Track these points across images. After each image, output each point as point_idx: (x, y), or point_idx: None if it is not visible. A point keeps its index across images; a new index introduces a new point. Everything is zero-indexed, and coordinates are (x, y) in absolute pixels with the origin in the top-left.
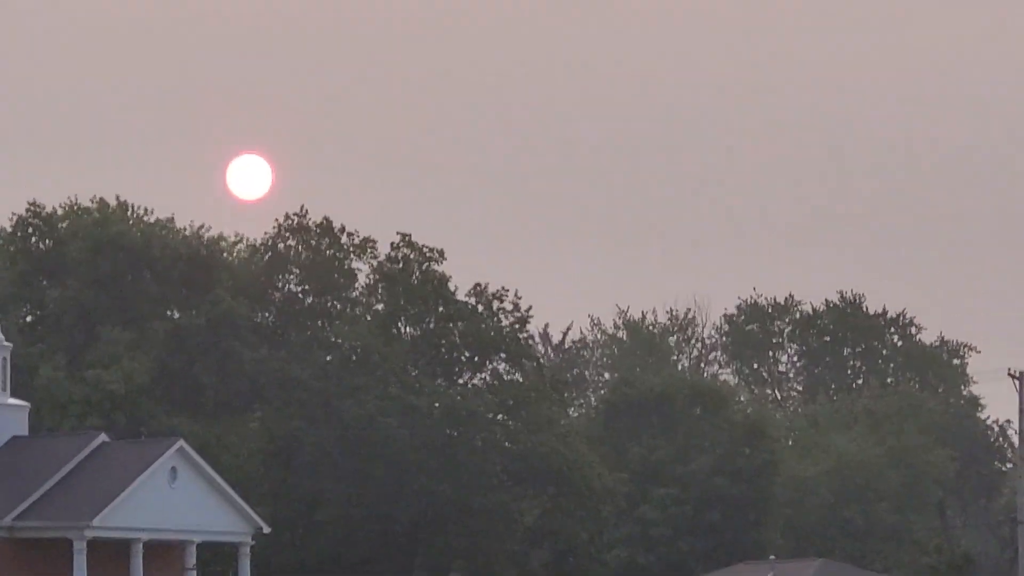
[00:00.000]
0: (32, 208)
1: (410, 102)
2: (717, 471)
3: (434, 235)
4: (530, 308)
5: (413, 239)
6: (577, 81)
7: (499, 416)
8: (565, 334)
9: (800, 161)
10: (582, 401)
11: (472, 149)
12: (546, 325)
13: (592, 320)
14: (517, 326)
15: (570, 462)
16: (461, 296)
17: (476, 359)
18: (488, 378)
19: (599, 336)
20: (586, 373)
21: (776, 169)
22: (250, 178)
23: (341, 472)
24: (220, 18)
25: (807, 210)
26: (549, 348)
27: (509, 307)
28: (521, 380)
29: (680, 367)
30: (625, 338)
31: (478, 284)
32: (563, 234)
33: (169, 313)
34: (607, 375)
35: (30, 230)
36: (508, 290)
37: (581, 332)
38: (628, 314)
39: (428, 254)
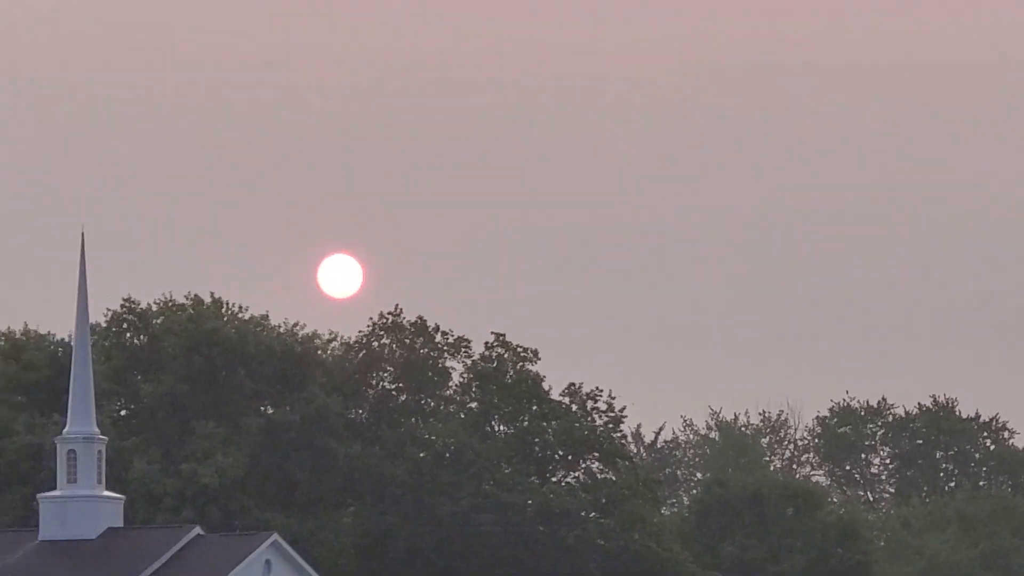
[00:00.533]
0: (127, 304)
1: (503, 203)
2: (810, 571)
3: (528, 335)
4: (624, 408)
5: (507, 339)
6: (666, 191)
7: (592, 514)
8: (657, 434)
9: (891, 267)
10: (674, 500)
11: (567, 251)
12: (639, 425)
13: (684, 421)
14: (611, 425)
15: (663, 560)
16: (555, 395)
17: (569, 457)
18: (581, 476)
19: (691, 436)
20: (678, 473)
21: (867, 275)
22: (340, 277)
23: (434, 568)
24: (314, 117)
25: (900, 314)
26: (642, 448)
27: (603, 407)
28: (614, 479)
29: (772, 468)
30: (717, 439)
31: (572, 383)
32: (656, 335)
33: (263, 409)
34: (699, 475)
35: (125, 325)
36: (602, 390)
37: (673, 432)
38: (720, 415)
39: (523, 354)
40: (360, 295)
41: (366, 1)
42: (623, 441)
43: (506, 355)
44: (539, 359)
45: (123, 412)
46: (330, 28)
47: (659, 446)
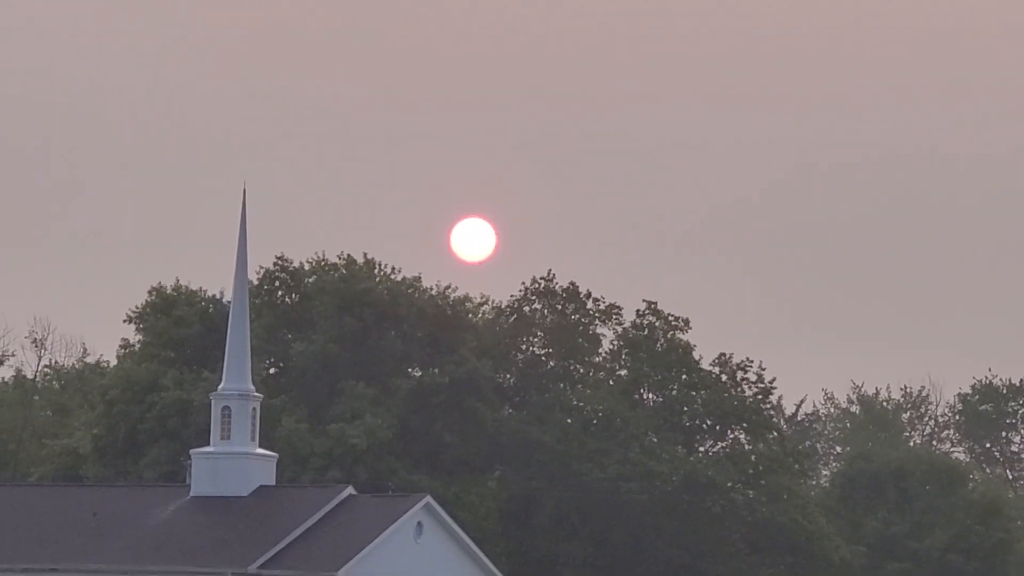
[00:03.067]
0: (280, 262)
1: (653, 173)
2: (951, 548)
3: (680, 304)
4: (774, 380)
5: (659, 307)
6: (824, 164)
7: (738, 485)
8: (799, 406)
9: None
10: (812, 473)
11: (718, 223)
12: (780, 397)
13: (826, 394)
14: (760, 397)
15: (809, 533)
16: (705, 365)
17: (717, 428)
18: (729, 447)
19: (832, 410)
20: (818, 446)
21: (1011, 251)
22: (474, 241)
23: (578, 534)
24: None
25: None
26: (783, 420)
27: (753, 378)
28: (762, 450)
29: (912, 444)
30: (859, 413)
31: (723, 354)
32: (803, 308)
33: (411, 371)
34: (838, 449)
35: (277, 284)
36: (752, 361)
37: (814, 405)
38: (862, 389)
39: (674, 322)
40: (492, 259)
41: None
42: (771, 413)
43: (657, 323)
44: (690, 328)
45: (272, 371)
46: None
47: (800, 419)
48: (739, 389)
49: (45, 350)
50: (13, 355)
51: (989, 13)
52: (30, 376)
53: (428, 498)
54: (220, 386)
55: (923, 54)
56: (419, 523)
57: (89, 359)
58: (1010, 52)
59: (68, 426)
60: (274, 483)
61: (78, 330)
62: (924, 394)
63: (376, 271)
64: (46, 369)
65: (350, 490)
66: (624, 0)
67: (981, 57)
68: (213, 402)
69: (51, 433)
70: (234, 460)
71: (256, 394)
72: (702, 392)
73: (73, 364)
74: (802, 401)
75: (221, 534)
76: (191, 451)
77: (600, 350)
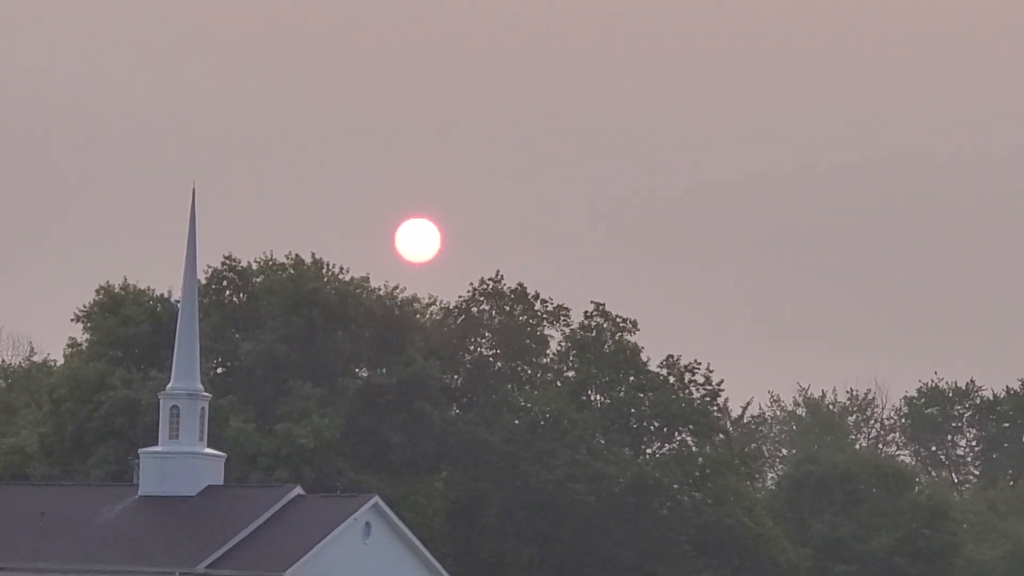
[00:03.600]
0: (228, 262)
1: (600, 173)
2: (898, 551)
3: (627, 305)
4: (721, 382)
5: (607, 308)
6: (774, 165)
7: (686, 487)
8: (745, 408)
9: (983, 249)
10: (759, 475)
11: (666, 224)
12: (726, 399)
13: (772, 396)
14: (707, 399)
15: (755, 535)
16: (653, 367)
17: (665, 430)
18: (676, 449)
19: (778, 412)
20: (764, 448)
21: (960, 255)
22: (419, 241)
23: (525, 535)
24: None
25: (989, 297)
26: (728, 422)
27: (700, 380)
28: (709, 452)
29: (858, 447)
30: (805, 415)
31: (670, 356)
32: (749, 310)
33: (359, 371)
34: (784, 451)
35: (225, 283)
36: (700, 363)
37: (760, 407)
38: (809, 392)
39: (621, 324)
40: (438, 259)
41: None
42: (718, 415)
43: (605, 325)
44: (638, 330)
45: (220, 370)
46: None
47: (746, 421)
48: (686, 391)
49: None
50: None
51: (982, 13)
52: None
53: (376, 498)
54: (169, 385)
55: (887, 51)
56: (367, 523)
57: (36, 358)
58: (974, 46)
59: (15, 425)
60: (222, 483)
61: (25, 329)
62: (870, 397)
63: (324, 271)
64: None
65: (298, 490)
66: None
67: (948, 53)
68: (162, 401)
69: None
70: (182, 460)
71: (205, 394)
72: (649, 394)
73: (20, 363)
74: (748, 403)
75: (169, 534)
76: (139, 450)
77: (548, 351)
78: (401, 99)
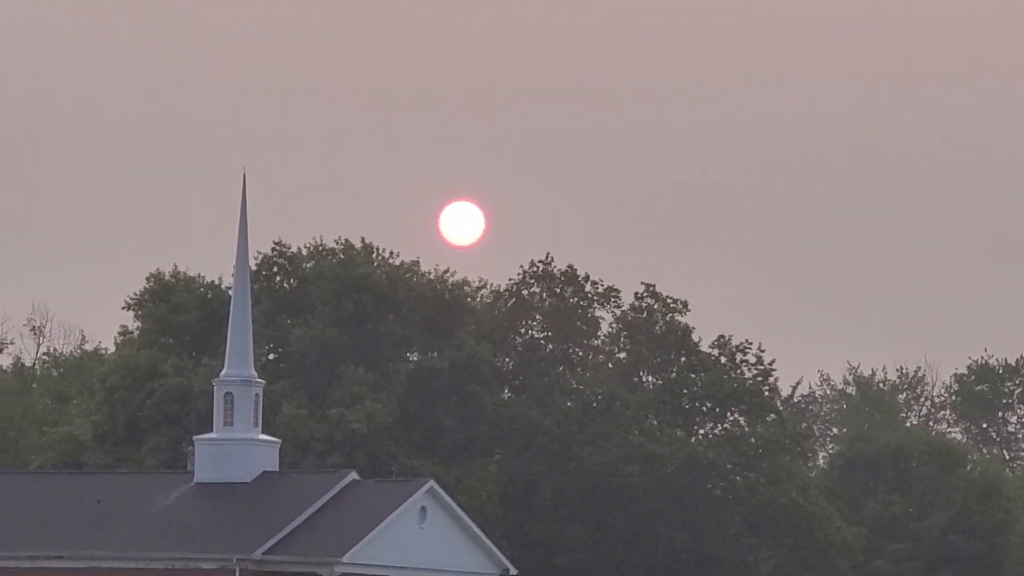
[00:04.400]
0: (277, 248)
1: (648, 155)
2: (951, 528)
3: (677, 286)
4: (773, 361)
5: (657, 289)
6: (822, 147)
7: (739, 467)
8: (795, 388)
9: None
10: (811, 455)
11: (717, 204)
12: (775, 379)
13: (821, 375)
14: (759, 379)
15: (809, 515)
16: (704, 347)
17: (717, 410)
18: (728, 429)
19: (828, 391)
20: (814, 428)
21: (1007, 232)
22: (463, 224)
23: (579, 517)
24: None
25: None
26: (778, 401)
27: (752, 360)
28: (762, 432)
29: (908, 425)
30: (855, 394)
31: (722, 336)
32: (799, 289)
33: (410, 355)
34: (835, 430)
35: (275, 269)
36: (751, 343)
37: (810, 387)
38: (858, 370)
39: (672, 305)
40: (481, 243)
41: None
42: (770, 395)
43: (656, 306)
44: (688, 310)
45: (271, 356)
46: None
47: (796, 400)
48: (738, 371)
49: (44, 337)
50: (12, 343)
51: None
52: (29, 364)
53: (432, 483)
54: (222, 372)
55: (923, 41)
56: (423, 508)
57: (88, 346)
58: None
59: (68, 413)
60: (277, 469)
61: (77, 317)
62: (920, 375)
63: (374, 255)
64: (45, 357)
65: (353, 475)
66: None
67: (982, 44)
68: (216, 388)
69: (51, 421)
70: (237, 446)
71: (258, 380)
72: (701, 375)
73: (72, 351)
74: (798, 383)
75: (225, 520)
76: (194, 438)
77: (599, 333)
78: (443, 83)
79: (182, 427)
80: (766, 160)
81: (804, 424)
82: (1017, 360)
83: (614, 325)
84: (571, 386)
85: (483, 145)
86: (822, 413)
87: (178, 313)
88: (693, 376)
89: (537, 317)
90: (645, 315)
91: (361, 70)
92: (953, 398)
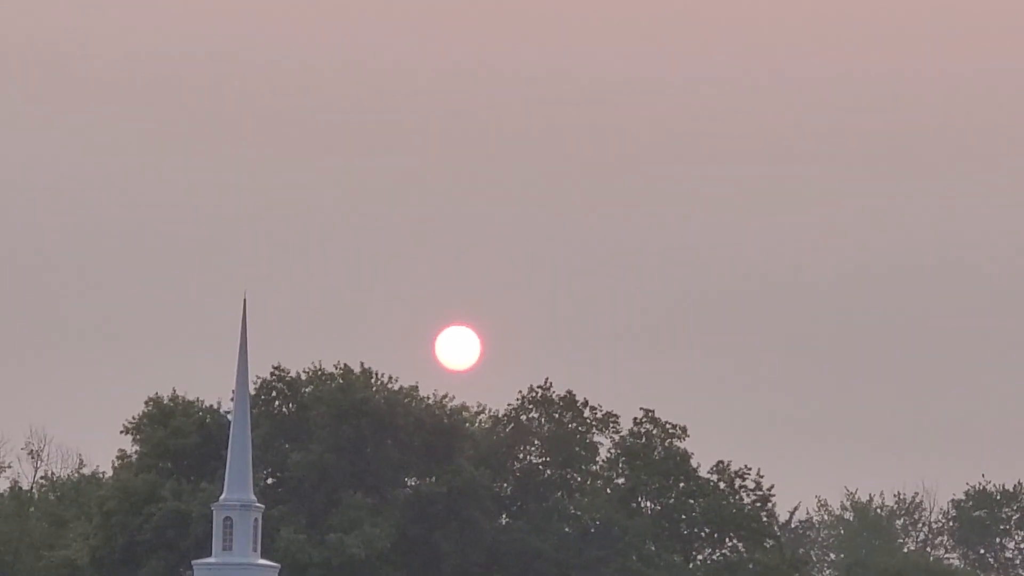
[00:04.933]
0: (276, 372)
1: (643, 278)
2: None
3: (673, 408)
4: (772, 487)
5: (656, 415)
6: (821, 276)
7: None
8: (792, 513)
9: None
10: None
11: (713, 324)
12: (774, 504)
13: (819, 501)
14: (758, 504)
15: None
16: (703, 473)
17: (715, 536)
18: (727, 555)
19: (826, 517)
20: (812, 553)
21: (1003, 357)
22: (458, 349)
23: None
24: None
25: None
26: (776, 527)
27: (751, 485)
28: (760, 558)
29: (906, 550)
30: (852, 519)
31: (720, 461)
32: (796, 414)
33: (409, 480)
34: (832, 556)
35: (274, 394)
36: (750, 468)
37: (808, 512)
38: (856, 496)
39: (671, 430)
40: (477, 367)
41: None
42: (769, 520)
43: (655, 431)
44: (687, 436)
45: (270, 480)
46: (449, 96)
47: (794, 526)
48: (737, 497)
49: (41, 461)
50: (9, 466)
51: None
52: (26, 487)
53: None
54: (222, 496)
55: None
56: None
57: (86, 470)
58: None
59: (65, 537)
60: None
61: (74, 441)
62: (918, 500)
63: (373, 380)
64: (42, 480)
65: None
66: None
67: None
68: (215, 512)
69: (48, 545)
70: (237, 571)
71: (258, 504)
72: (700, 500)
73: (70, 475)
74: (796, 508)
75: None
76: (193, 562)
77: (597, 458)
78: (438, 210)
79: (180, 552)
80: (764, 286)
81: (802, 550)
82: (1015, 486)
83: (613, 450)
84: (569, 511)
85: (478, 270)
86: (820, 539)
87: (176, 437)
88: (692, 502)
89: (535, 442)
90: (644, 440)
91: (358, 197)
92: (951, 524)
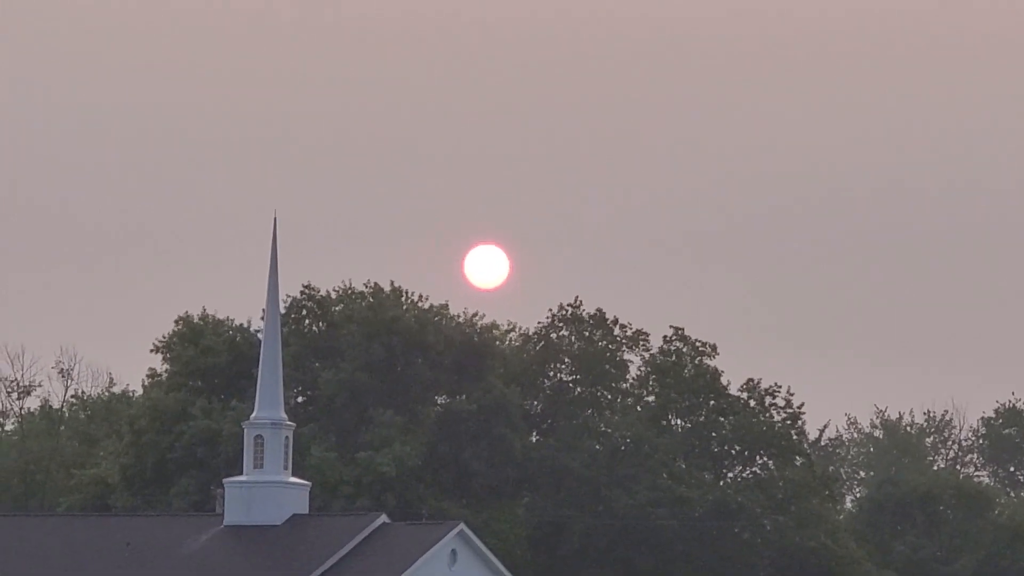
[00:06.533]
0: (307, 291)
1: (673, 196)
2: (980, 572)
3: (705, 327)
4: (802, 405)
5: (686, 333)
6: (851, 192)
7: (768, 511)
8: (822, 431)
9: None
10: (838, 498)
11: (744, 246)
12: (804, 422)
13: (849, 419)
14: (788, 422)
15: (839, 558)
16: (733, 391)
17: (746, 454)
18: (757, 472)
19: (855, 435)
20: (842, 471)
21: None
22: (487, 268)
23: (607, 561)
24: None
25: None
26: (806, 444)
27: (781, 403)
28: (790, 476)
29: (935, 468)
30: (882, 437)
31: (751, 379)
32: (825, 332)
33: (439, 398)
34: (862, 473)
35: (304, 312)
36: (780, 386)
37: (837, 430)
38: (886, 414)
39: (701, 348)
40: (506, 286)
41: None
42: (799, 438)
43: (684, 349)
44: (717, 354)
45: (300, 399)
46: (477, 29)
47: (823, 444)
48: (767, 415)
49: (72, 380)
50: (40, 385)
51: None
52: (57, 406)
53: (462, 525)
54: (252, 415)
55: (942, 70)
56: (453, 550)
57: (116, 389)
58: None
59: (96, 456)
60: (308, 512)
61: (104, 360)
62: (947, 418)
63: (403, 299)
64: (72, 399)
65: (383, 518)
66: (636, 18)
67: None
68: (246, 431)
69: (79, 463)
70: (268, 489)
71: (288, 423)
72: (730, 418)
73: (100, 394)
74: (826, 426)
75: (256, 563)
76: (224, 480)
77: (627, 376)
78: (468, 128)
79: (211, 470)
80: (797, 203)
81: (832, 468)
82: None
83: (643, 368)
84: (599, 429)
85: (507, 189)
86: (849, 456)
87: (207, 356)
88: (722, 419)
89: (566, 360)
90: (674, 358)
91: (389, 116)
92: (980, 441)
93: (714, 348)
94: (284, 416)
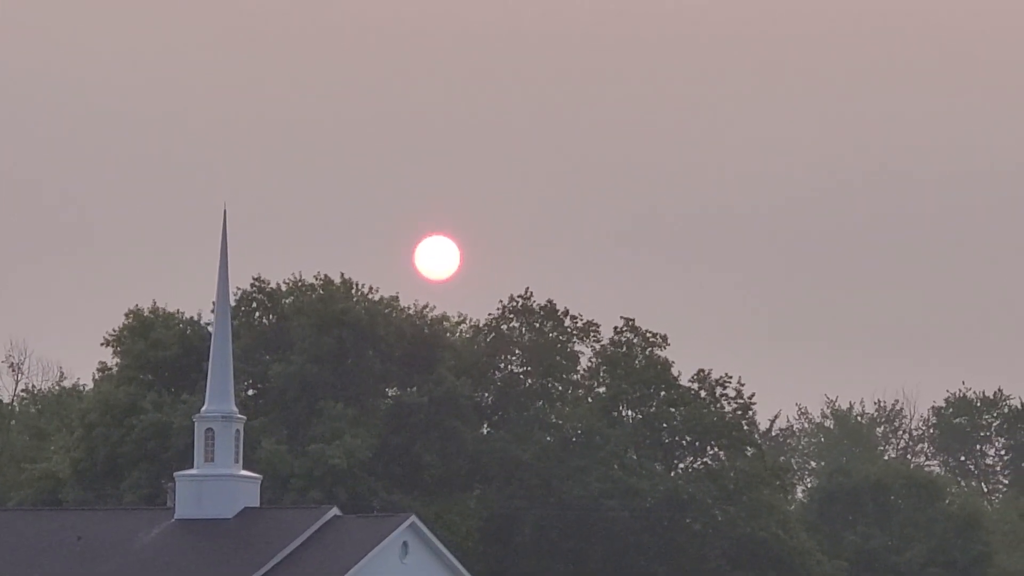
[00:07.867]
0: (257, 284)
1: (624, 187)
2: (931, 562)
3: (655, 318)
4: (753, 395)
5: (637, 323)
6: (797, 184)
7: (719, 501)
8: (773, 421)
9: (1011, 257)
10: (789, 488)
11: (694, 236)
12: (754, 413)
13: (800, 409)
14: (739, 412)
15: (790, 548)
16: (684, 382)
17: (697, 444)
18: (708, 463)
19: (806, 425)
20: (792, 461)
21: (984, 262)
22: (438, 259)
23: (559, 552)
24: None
25: (1017, 305)
26: (757, 435)
27: (732, 393)
28: (741, 466)
29: (886, 458)
30: (833, 427)
31: (701, 370)
32: (776, 321)
33: (390, 390)
34: (813, 463)
35: (254, 305)
36: (731, 376)
37: (788, 420)
38: (836, 404)
39: (652, 339)
40: (457, 277)
41: None
42: (750, 428)
43: (635, 340)
44: (668, 344)
45: (251, 392)
46: (425, 20)
47: (774, 434)
48: (718, 405)
49: (22, 374)
50: None
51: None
52: (7, 400)
53: (413, 518)
54: (203, 408)
55: (910, 64)
56: (404, 543)
57: (66, 383)
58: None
59: (46, 450)
60: (259, 504)
61: (55, 354)
62: (898, 407)
63: (353, 291)
64: (23, 393)
65: (335, 511)
66: (579, 4)
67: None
68: (196, 424)
69: (29, 457)
70: (219, 482)
71: (239, 416)
72: (681, 409)
73: (50, 388)
74: (776, 416)
75: (208, 556)
76: (175, 473)
77: (578, 367)
78: (417, 118)
79: (162, 463)
80: (746, 193)
81: (783, 458)
82: (995, 393)
83: (593, 359)
84: (550, 421)
85: (458, 179)
86: (800, 446)
87: (157, 349)
88: (673, 410)
89: (516, 352)
90: (625, 349)
91: (339, 108)
92: (931, 431)
93: (665, 339)
94: (235, 409)
